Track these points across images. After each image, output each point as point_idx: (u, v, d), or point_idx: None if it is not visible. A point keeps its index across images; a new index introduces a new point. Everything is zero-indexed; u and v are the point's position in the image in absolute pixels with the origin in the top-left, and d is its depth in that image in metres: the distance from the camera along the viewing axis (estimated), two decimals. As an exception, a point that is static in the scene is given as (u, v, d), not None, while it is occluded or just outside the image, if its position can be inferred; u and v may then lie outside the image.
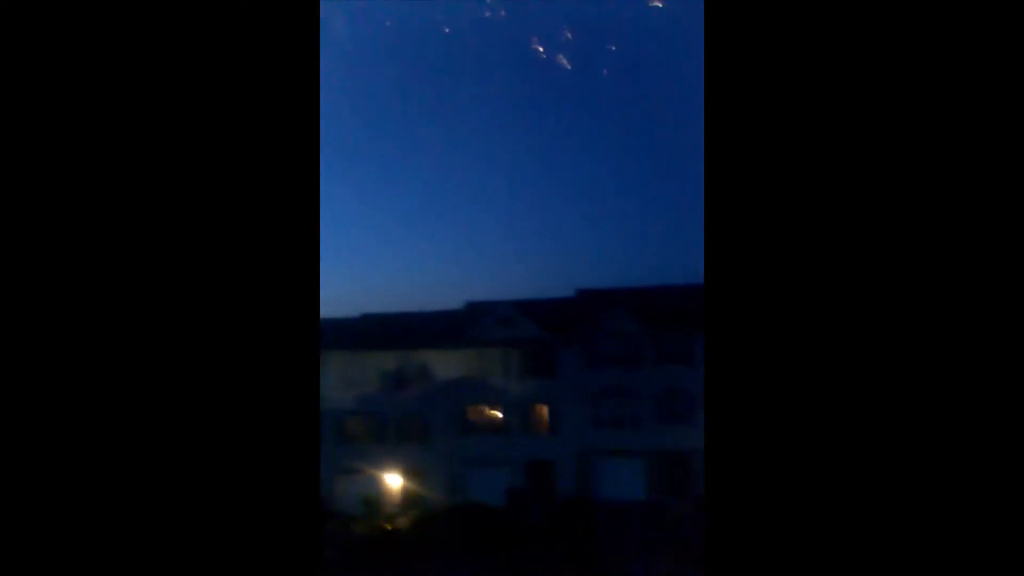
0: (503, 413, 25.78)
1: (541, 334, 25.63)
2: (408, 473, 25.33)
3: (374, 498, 25.06)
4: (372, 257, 70.62)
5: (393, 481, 25.36)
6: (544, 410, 25.74)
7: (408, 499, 25.02)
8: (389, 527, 21.69)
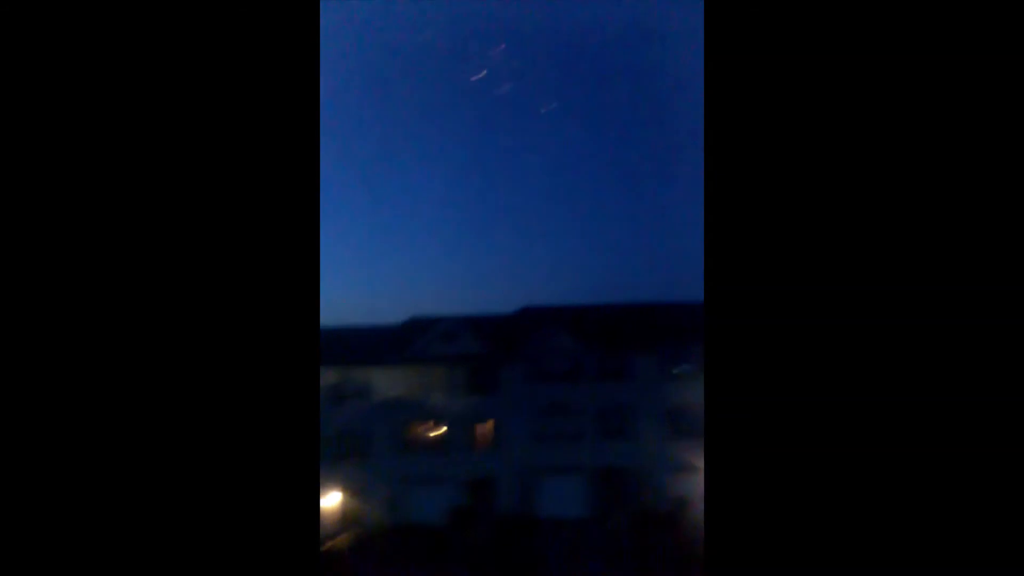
0: (444, 430, 25.59)
1: (484, 350, 25.62)
2: (346, 492, 24.79)
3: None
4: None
5: (331, 500, 24.77)
6: (486, 427, 25.70)
7: (346, 518, 24.47)
8: (326, 547, 21.14)
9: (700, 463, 22.46)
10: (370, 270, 69.31)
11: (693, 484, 22.59)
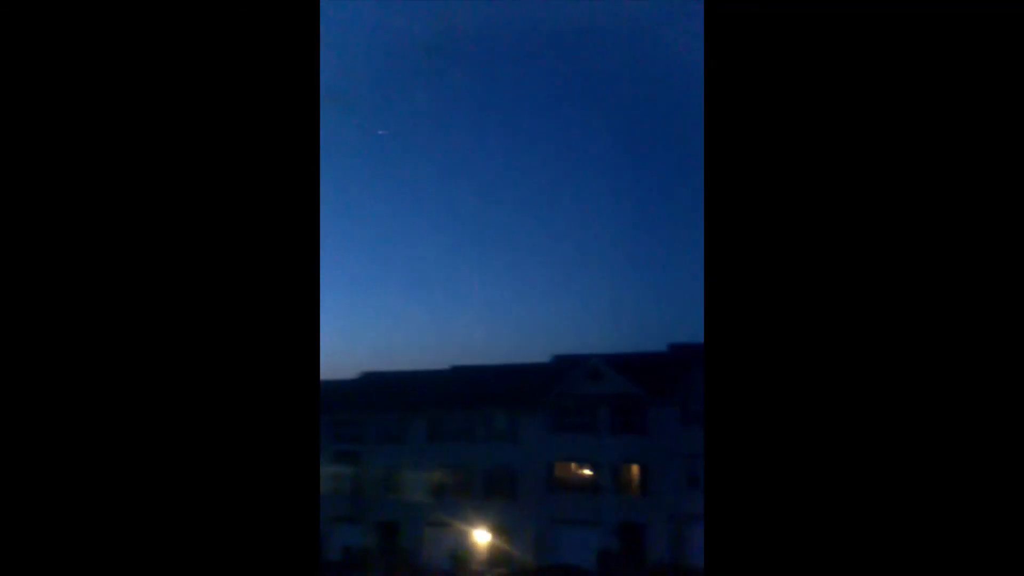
0: (593, 471, 25.14)
1: (632, 389, 25.01)
2: (495, 530, 24.99)
3: (463, 554, 24.82)
4: (459, 309, 71.28)
5: (481, 537, 25.07)
6: (635, 469, 24.94)
7: (496, 557, 24.63)
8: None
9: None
10: (513, 309, 70.22)
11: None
